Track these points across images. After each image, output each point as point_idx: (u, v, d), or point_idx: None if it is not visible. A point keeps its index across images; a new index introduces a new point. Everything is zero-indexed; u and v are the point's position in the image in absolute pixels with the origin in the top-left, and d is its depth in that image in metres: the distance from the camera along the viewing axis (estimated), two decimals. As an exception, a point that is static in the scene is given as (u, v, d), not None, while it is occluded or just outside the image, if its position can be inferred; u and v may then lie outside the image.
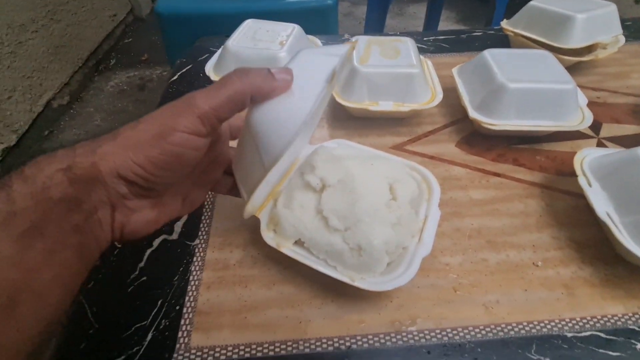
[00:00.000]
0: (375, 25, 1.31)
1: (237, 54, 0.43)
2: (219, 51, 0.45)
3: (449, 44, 0.59)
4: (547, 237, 0.32)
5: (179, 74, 0.53)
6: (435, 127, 0.43)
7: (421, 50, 0.57)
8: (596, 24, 0.47)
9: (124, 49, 1.86)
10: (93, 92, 1.61)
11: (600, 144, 0.41)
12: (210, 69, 0.45)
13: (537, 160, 0.39)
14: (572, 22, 0.46)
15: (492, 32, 0.62)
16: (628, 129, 0.43)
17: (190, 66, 0.54)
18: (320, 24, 0.82)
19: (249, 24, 0.47)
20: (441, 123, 0.44)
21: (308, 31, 0.56)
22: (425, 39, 0.60)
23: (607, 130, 0.43)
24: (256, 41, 0.44)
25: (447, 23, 1.91)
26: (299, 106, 0.20)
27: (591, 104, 0.46)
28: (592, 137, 0.42)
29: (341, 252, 0.26)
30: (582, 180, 0.31)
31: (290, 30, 0.45)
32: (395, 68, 0.40)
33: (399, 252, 0.27)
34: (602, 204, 0.29)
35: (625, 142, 0.41)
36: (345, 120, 0.44)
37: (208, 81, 0.46)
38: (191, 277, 0.29)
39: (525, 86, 0.37)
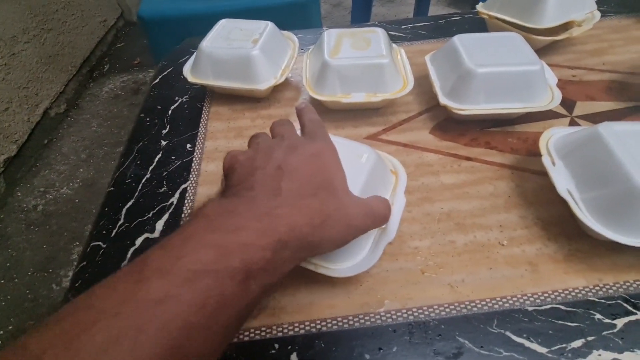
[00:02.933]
0: (361, 15, 1.31)
1: (211, 55, 0.44)
2: (195, 53, 0.46)
3: (426, 31, 0.59)
4: (514, 217, 0.33)
5: (160, 77, 0.54)
6: (410, 115, 0.44)
7: (399, 39, 0.58)
8: (569, 2, 0.47)
9: (117, 54, 1.87)
10: (89, 98, 1.63)
11: (573, 123, 0.42)
12: (187, 71, 0.46)
13: (508, 142, 0.40)
14: (544, 1, 0.46)
15: (470, 16, 0.62)
16: (602, 106, 0.43)
17: (171, 68, 0.55)
18: (303, 18, 0.82)
19: (223, 24, 0.48)
20: (416, 111, 0.45)
21: (291, 26, 0.57)
22: (403, 27, 0.60)
23: (581, 108, 0.43)
24: (230, 41, 0.45)
25: (437, 7, 1.89)
26: None
27: (567, 83, 0.47)
28: (565, 116, 0.43)
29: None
30: (545, 160, 0.32)
31: (263, 28, 0.46)
32: (365, 59, 0.40)
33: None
34: (563, 182, 0.30)
35: (598, 119, 0.42)
36: (321, 113, 0.44)
37: (188, 84, 0.48)
38: (172, 273, 0.31)
39: (492, 70, 0.38)
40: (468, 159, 0.39)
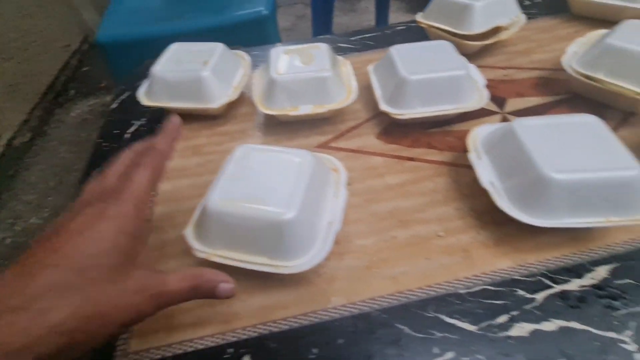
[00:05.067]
0: (322, 26, 1.35)
1: (164, 78, 0.45)
2: (148, 77, 0.48)
3: (374, 41, 0.63)
4: (451, 210, 0.36)
5: (118, 101, 0.55)
6: (358, 122, 0.47)
7: (349, 50, 0.61)
8: (494, 10, 0.51)
9: (82, 78, 1.85)
10: (55, 125, 1.60)
11: (504, 119, 0.46)
12: (142, 95, 0.48)
13: (447, 141, 0.43)
14: (471, 10, 0.50)
15: (414, 24, 0.66)
16: (530, 102, 0.47)
17: (129, 93, 0.56)
18: (259, 35, 0.85)
19: (174, 48, 0.50)
20: (363, 118, 0.47)
21: (248, 43, 0.59)
22: (352, 38, 0.64)
23: (512, 105, 0.47)
24: (181, 64, 0.47)
25: (397, 14, 1.96)
26: None
27: (499, 82, 0.51)
28: (497, 113, 0.46)
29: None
30: (472, 155, 0.35)
31: (213, 49, 0.48)
32: (310, 73, 0.43)
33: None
34: (487, 174, 0.34)
35: (527, 113, 0.46)
36: (274, 126, 0.47)
37: (145, 107, 0.49)
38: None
39: (424, 77, 0.41)
40: (410, 159, 0.42)
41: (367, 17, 2.02)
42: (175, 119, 0.29)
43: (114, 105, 0.55)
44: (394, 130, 0.45)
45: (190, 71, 0.45)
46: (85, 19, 1.90)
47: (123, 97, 0.56)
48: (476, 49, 0.53)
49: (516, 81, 0.51)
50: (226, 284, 0.24)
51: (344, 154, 0.43)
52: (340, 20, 2.06)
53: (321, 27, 1.35)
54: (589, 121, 0.33)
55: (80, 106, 1.67)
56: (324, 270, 0.32)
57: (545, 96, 0.48)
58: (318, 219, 0.30)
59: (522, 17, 0.55)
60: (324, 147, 0.44)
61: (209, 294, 0.24)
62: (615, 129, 0.42)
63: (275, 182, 0.30)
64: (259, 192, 0.29)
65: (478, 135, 0.38)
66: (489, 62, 0.54)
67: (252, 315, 0.29)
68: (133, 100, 0.55)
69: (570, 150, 0.30)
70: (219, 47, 0.48)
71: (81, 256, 0.19)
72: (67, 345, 0.18)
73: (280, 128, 0.47)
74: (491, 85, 0.50)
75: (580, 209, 0.29)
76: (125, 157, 0.27)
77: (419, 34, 0.62)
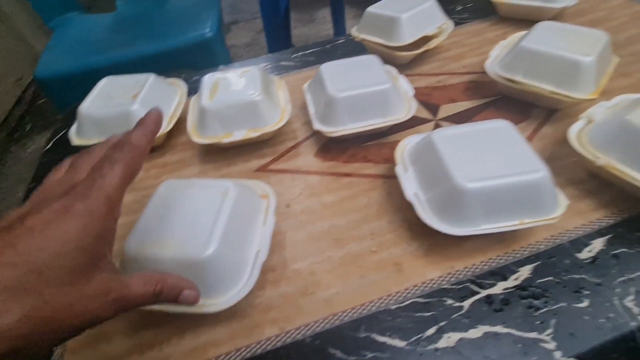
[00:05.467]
0: (279, 40, 1.35)
1: (92, 116, 0.44)
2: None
3: (314, 57, 0.63)
4: (384, 223, 0.36)
5: (52, 142, 0.53)
6: (297, 141, 0.47)
7: (289, 68, 0.61)
8: (420, 20, 0.53)
9: (38, 112, 1.79)
10: (11, 162, 1.53)
11: (437, 126, 0.47)
12: (73, 134, 0.47)
13: (382, 153, 0.44)
14: (398, 22, 0.52)
15: (353, 37, 0.67)
16: (461, 106, 0.49)
17: (63, 132, 0.54)
18: (207, 57, 0.85)
19: (103, 83, 0.49)
20: (301, 137, 0.48)
21: (196, 66, 0.58)
22: (293, 56, 0.64)
23: (444, 111, 0.49)
24: (110, 99, 0.46)
25: (354, 22, 2.00)
26: None
27: (433, 89, 0.52)
28: (430, 120, 0.48)
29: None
30: (397, 168, 0.36)
31: (144, 81, 0.47)
32: (240, 99, 0.43)
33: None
34: (412, 186, 0.34)
35: (458, 118, 0.47)
36: (213, 153, 0.47)
37: (77, 149, 0.47)
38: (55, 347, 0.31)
39: (351, 94, 0.42)
40: (347, 175, 0.42)
41: (326, 27, 2.05)
42: (155, 111, 0.26)
43: (48, 146, 0.53)
44: (331, 147, 0.46)
45: (119, 106, 0.44)
46: (37, 50, 1.84)
47: (57, 137, 0.54)
48: (409, 59, 0.55)
49: (448, 87, 0.52)
50: (190, 291, 0.24)
51: (282, 175, 0.43)
52: (300, 31, 2.08)
53: (277, 42, 1.36)
54: (501, 126, 0.34)
55: (37, 141, 1.61)
56: (258, 300, 0.32)
57: (475, 99, 0.49)
58: (244, 250, 0.30)
59: (450, 24, 0.57)
60: (263, 170, 0.44)
61: (172, 299, 0.24)
62: (540, 125, 0.44)
63: (196, 217, 0.29)
64: (179, 230, 0.29)
65: (405, 147, 0.38)
66: (423, 70, 0.56)
67: (182, 357, 0.29)
68: (67, 140, 0.53)
69: (483, 158, 0.31)
70: (149, 79, 0.48)
71: (41, 255, 0.18)
72: (11, 351, 0.17)
73: (220, 154, 0.46)
74: (425, 92, 0.52)
75: (496, 214, 0.30)
76: (97, 150, 0.25)
77: (359, 46, 0.63)
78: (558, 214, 0.30)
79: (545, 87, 0.42)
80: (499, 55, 0.49)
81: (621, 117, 0.33)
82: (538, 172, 0.29)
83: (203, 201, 0.30)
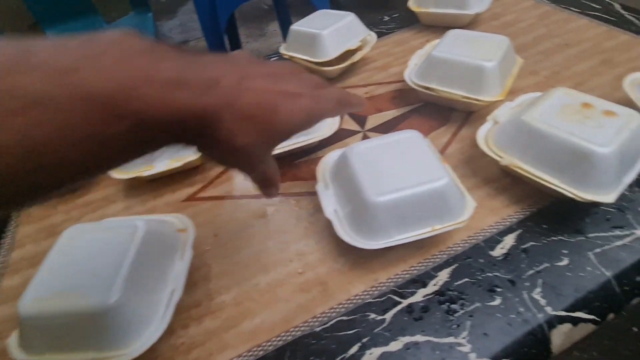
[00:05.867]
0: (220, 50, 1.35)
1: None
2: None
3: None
4: (311, 242, 0.36)
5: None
6: (227, 165, 0.47)
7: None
8: (341, 35, 0.54)
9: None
10: None
11: (365, 137, 0.48)
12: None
13: (312, 169, 0.44)
14: (320, 38, 0.53)
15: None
16: (387, 115, 0.50)
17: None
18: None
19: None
20: (231, 160, 0.47)
21: None
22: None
23: (372, 121, 0.50)
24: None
25: (304, 33, 2.03)
26: None
27: (361, 101, 0.54)
28: (358, 132, 0.49)
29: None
30: (318, 186, 0.36)
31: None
32: (160, 129, 0.42)
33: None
34: (331, 203, 0.34)
35: (384, 128, 0.48)
36: (139, 186, 0.45)
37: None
38: None
39: (271, 114, 0.42)
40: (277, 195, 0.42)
41: (277, 40, 2.06)
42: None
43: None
44: (262, 167, 0.45)
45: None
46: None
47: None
48: (336, 73, 0.56)
49: (375, 97, 0.54)
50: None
51: (212, 203, 0.42)
52: (252, 46, 2.08)
53: None
54: (411, 136, 0.35)
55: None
56: (181, 340, 0.30)
57: (400, 108, 0.51)
58: (156, 292, 0.29)
59: (373, 36, 0.58)
60: (192, 199, 0.43)
61: None
62: (458, 129, 0.46)
63: (99, 263, 0.28)
64: (80, 279, 0.27)
65: (327, 163, 0.39)
66: (351, 82, 0.57)
67: (96, 416, 0.27)
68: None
69: (393, 170, 0.32)
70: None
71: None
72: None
73: (146, 187, 0.45)
74: (353, 105, 0.53)
75: (407, 224, 0.31)
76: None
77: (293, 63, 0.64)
78: (466, 217, 0.31)
79: (457, 92, 0.44)
80: (417, 63, 0.51)
81: (518, 117, 0.35)
82: (441, 180, 0.30)
83: (108, 244, 0.29)
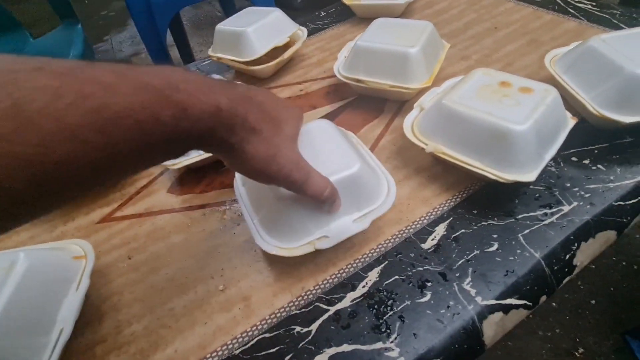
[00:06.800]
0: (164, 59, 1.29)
1: None
2: None
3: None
4: (236, 255, 0.33)
5: None
6: (150, 179, 0.43)
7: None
8: (267, 32, 0.52)
9: None
10: None
11: (297, 135, 0.45)
12: None
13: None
14: (244, 36, 0.50)
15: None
16: (322, 112, 0.48)
17: None
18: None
19: None
20: (155, 173, 0.43)
21: None
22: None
23: (306, 118, 0.47)
24: None
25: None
26: None
27: (296, 98, 0.51)
28: (291, 131, 0.46)
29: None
30: (237, 191, 0.33)
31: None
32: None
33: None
34: (248, 211, 0.31)
35: (318, 124, 0.46)
36: (48, 212, 0.40)
37: None
38: None
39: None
40: (201, 207, 0.38)
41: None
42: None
43: None
44: (188, 178, 0.42)
45: None
46: None
47: None
48: (267, 73, 0.53)
49: (311, 94, 0.51)
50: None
51: (129, 222, 0.38)
52: (205, 54, 2.02)
53: (162, 60, 1.29)
54: (320, 126, 0.32)
55: None
56: (80, 385, 0.26)
57: (334, 103, 0.49)
58: (37, 335, 0.25)
59: (303, 32, 0.56)
60: (107, 219, 0.39)
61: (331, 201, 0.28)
62: (392, 119, 0.45)
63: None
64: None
65: (250, 166, 0.36)
66: (287, 80, 0.55)
67: None
68: None
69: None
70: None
71: (266, 107, 0.24)
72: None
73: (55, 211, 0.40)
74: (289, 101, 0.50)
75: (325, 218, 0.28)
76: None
77: (224, 67, 0.60)
78: (387, 200, 0.29)
79: (385, 82, 0.42)
80: (346, 56, 0.49)
81: (440, 101, 0.34)
82: (353, 167, 0.28)
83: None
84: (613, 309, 0.77)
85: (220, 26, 0.53)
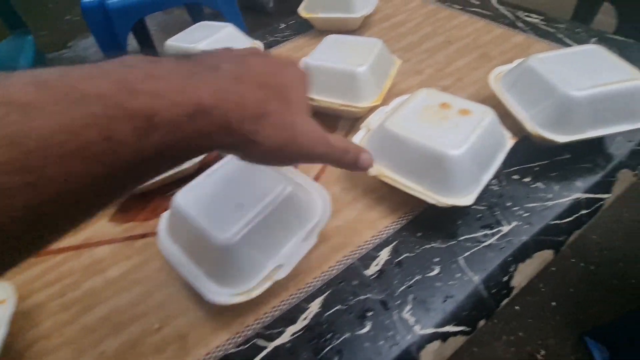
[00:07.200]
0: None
1: None
2: None
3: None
4: (174, 289, 0.32)
5: None
6: (90, 206, 0.40)
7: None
8: (219, 47, 0.50)
9: None
10: None
11: (249, 155, 0.44)
12: None
13: (186, 200, 0.40)
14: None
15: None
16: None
17: None
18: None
19: None
20: (95, 199, 0.41)
21: None
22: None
23: (258, 137, 0.47)
24: None
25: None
26: None
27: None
28: (242, 151, 0.45)
29: None
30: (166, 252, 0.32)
31: None
32: None
33: None
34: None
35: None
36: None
37: None
38: None
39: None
40: (143, 236, 0.37)
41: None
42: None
43: None
44: (132, 203, 0.40)
45: None
46: None
47: None
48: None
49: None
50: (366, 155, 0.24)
51: (64, 255, 0.36)
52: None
53: None
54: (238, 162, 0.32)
55: None
56: None
57: (288, 120, 0.48)
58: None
59: (258, 45, 0.55)
60: (43, 253, 0.36)
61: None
62: (345, 135, 0.44)
63: None
64: None
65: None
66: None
67: None
68: None
69: (229, 199, 0.28)
70: None
71: (269, 79, 0.20)
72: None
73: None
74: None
75: (269, 249, 0.27)
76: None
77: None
78: (322, 217, 0.29)
79: (335, 100, 0.42)
80: (298, 73, 0.48)
81: (382, 124, 0.34)
82: (279, 187, 0.28)
83: None
84: (573, 310, 0.80)
85: (170, 42, 0.52)
